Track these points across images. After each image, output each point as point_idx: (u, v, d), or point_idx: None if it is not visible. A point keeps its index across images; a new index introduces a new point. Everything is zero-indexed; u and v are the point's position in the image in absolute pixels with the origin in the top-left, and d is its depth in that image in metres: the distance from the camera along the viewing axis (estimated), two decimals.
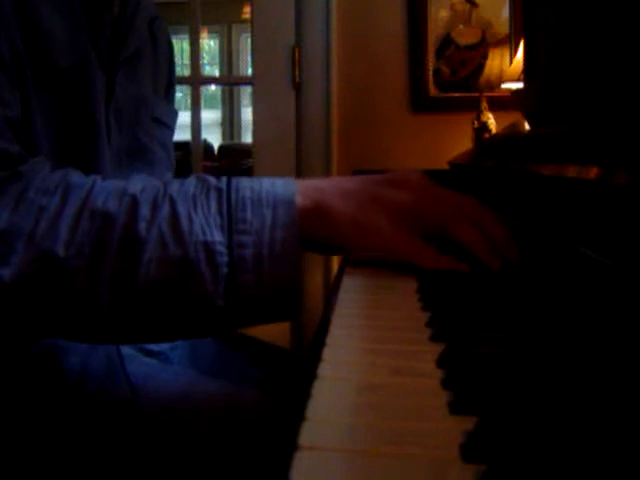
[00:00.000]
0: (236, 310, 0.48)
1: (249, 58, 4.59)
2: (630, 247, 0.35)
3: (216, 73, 7.38)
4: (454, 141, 1.76)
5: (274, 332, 0.97)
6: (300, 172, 1.88)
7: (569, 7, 0.61)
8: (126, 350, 0.67)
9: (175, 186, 0.50)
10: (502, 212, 0.57)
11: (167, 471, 0.57)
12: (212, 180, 0.51)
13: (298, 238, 0.48)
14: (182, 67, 5.54)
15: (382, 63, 1.86)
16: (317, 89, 1.87)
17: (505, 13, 1.83)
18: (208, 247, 0.47)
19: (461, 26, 1.86)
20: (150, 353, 0.72)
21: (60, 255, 0.46)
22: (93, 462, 0.56)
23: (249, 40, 2.45)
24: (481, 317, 0.40)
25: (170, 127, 0.86)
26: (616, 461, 0.22)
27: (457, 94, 1.85)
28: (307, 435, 0.24)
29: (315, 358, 0.33)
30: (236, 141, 6.51)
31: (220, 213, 0.48)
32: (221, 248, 0.47)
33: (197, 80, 2.03)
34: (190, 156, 2.02)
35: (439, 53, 1.86)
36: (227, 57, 6.85)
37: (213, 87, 6.99)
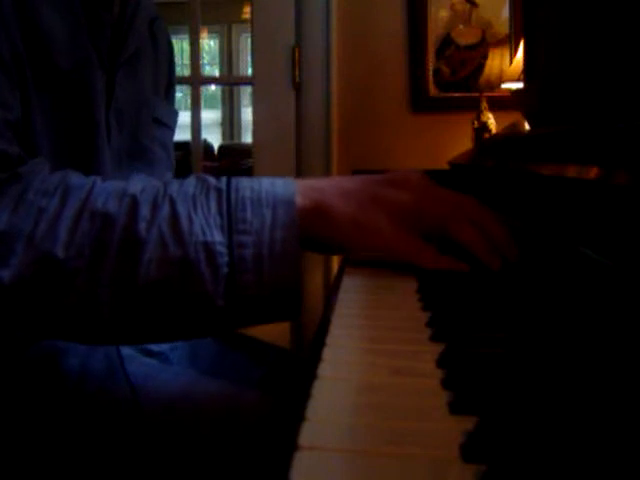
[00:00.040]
0: (236, 310, 0.48)
1: (249, 58, 4.60)
2: (630, 247, 0.35)
3: (216, 73, 7.39)
4: (454, 141, 1.76)
5: (274, 332, 0.97)
6: (300, 172, 1.88)
7: (569, 7, 0.61)
8: (126, 350, 0.67)
9: (175, 186, 0.50)
10: (502, 212, 0.57)
11: (167, 471, 0.57)
12: (212, 180, 0.51)
13: (298, 238, 0.48)
14: (182, 67, 5.54)
15: (382, 63, 1.86)
16: (317, 89, 1.87)
17: (505, 13, 1.83)
18: (208, 247, 0.47)
19: (461, 26, 1.86)
20: (150, 353, 0.72)
21: (60, 256, 0.46)
22: (93, 462, 0.56)
23: (249, 40, 2.45)
24: (481, 317, 0.40)
25: (170, 127, 0.86)
26: (616, 461, 0.22)
27: (457, 94, 1.85)
28: (307, 435, 0.24)
29: (315, 358, 0.33)
30: (236, 141, 6.51)
31: (220, 213, 0.48)
32: (221, 248, 0.47)
33: (197, 80, 2.03)
34: (190, 156, 2.02)
35: (439, 53, 1.86)
36: (227, 57, 6.85)
37: (213, 87, 6.99)
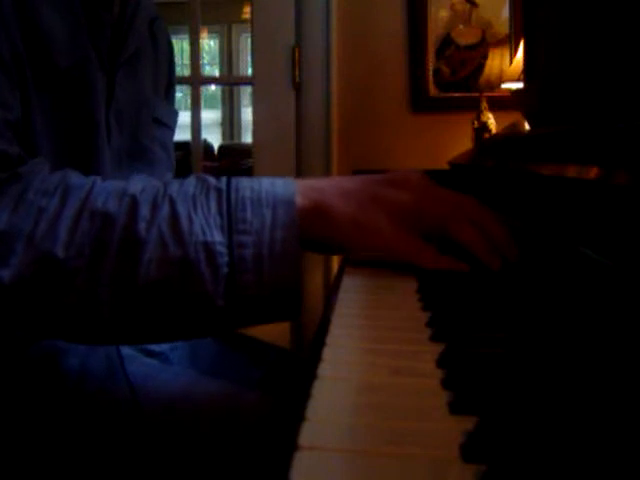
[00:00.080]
0: (236, 310, 0.48)
1: (249, 58, 4.60)
2: (630, 247, 0.35)
3: (216, 73, 7.39)
4: (454, 141, 1.76)
5: (274, 332, 0.97)
6: (300, 172, 1.88)
7: (569, 7, 0.61)
8: (126, 350, 0.67)
9: (175, 186, 0.50)
10: (502, 212, 0.57)
11: (167, 471, 0.57)
12: (212, 180, 0.51)
13: (298, 238, 0.48)
14: (182, 67, 5.54)
15: (382, 63, 1.86)
16: (317, 89, 1.87)
17: (505, 13, 1.83)
18: (208, 247, 0.47)
19: (461, 26, 1.86)
20: (150, 353, 0.72)
21: (60, 256, 0.46)
22: (93, 462, 0.56)
23: (249, 40, 2.45)
24: (481, 317, 0.40)
25: (170, 127, 0.87)
26: (616, 461, 0.22)
27: (457, 94, 1.85)
28: (307, 435, 0.24)
29: (315, 358, 0.33)
30: (236, 141, 6.51)
31: (220, 213, 0.48)
32: (221, 248, 0.47)
33: (197, 80, 2.03)
34: (190, 156, 2.02)
35: (439, 53, 1.86)
36: (227, 57, 6.85)
37: (213, 87, 6.99)
